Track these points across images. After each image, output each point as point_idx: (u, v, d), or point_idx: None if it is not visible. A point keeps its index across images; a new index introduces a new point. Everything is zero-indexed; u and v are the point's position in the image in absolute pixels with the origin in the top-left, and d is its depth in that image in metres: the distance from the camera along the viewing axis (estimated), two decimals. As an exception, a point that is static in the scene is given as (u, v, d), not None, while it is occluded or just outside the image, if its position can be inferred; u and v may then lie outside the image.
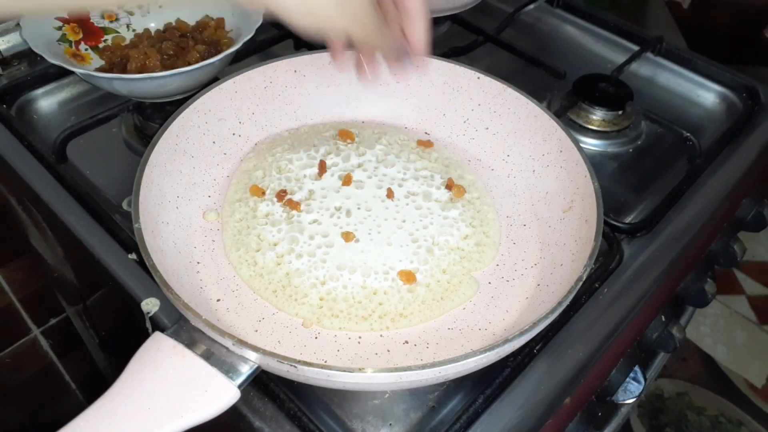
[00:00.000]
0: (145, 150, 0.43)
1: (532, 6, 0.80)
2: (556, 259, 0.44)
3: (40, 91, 0.62)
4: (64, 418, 0.32)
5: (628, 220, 0.54)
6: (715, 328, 1.46)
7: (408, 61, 0.45)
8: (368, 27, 0.39)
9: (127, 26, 0.63)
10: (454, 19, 0.75)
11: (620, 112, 0.62)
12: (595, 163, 0.59)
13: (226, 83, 0.50)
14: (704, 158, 0.59)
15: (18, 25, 0.57)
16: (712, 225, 0.56)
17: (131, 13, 0.63)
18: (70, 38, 0.59)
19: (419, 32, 0.43)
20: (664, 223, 0.53)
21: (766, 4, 2.29)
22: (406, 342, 0.41)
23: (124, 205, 0.51)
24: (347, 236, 0.45)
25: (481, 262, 0.46)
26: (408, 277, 0.44)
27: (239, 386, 0.34)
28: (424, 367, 0.32)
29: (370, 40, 0.41)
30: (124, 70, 0.56)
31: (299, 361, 0.32)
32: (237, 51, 0.55)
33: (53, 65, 0.51)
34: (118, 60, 0.57)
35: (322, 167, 0.50)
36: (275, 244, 0.45)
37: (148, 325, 0.44)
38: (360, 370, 0.32)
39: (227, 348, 0.34)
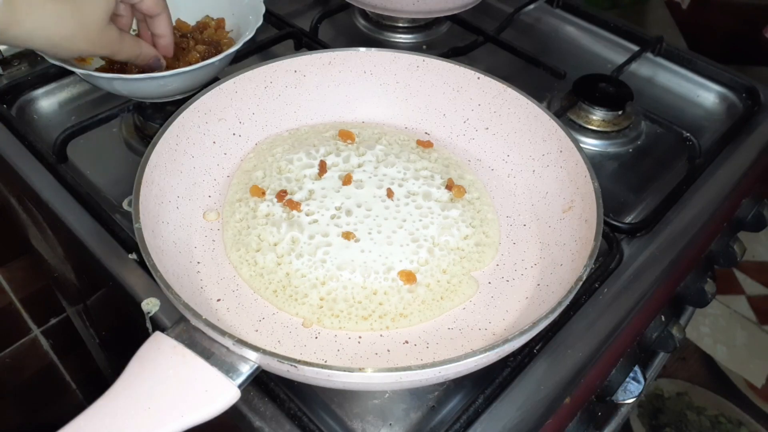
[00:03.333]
0: (146, 150, 0.43)
1: (532, 6, 0.80)
2: (556, 259, 0.44)
3: (40, 91, 0.62)
4: (64, 418, 0.32)
5: (628, 220, 0.54)
6: (715, 328, 1.46)
7: (158, 63, 0.52)
8: (110, 45, 0.46)
9: (128, 26, 0.63)
10: (454, 19, 0.75)
11: (620, 112, 0.62)
12: (595, 163, 0.60)
13: (226, 83, 0.50)
14: (704, 158, 0.59)
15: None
16: (712, 225, 0.56)
17: (131, 13, 0.63)
18: (71, 38, 0.59)
19: (162, 29, 0.51)
20: (664, 223, 0.53)
21: (766, 4, 2.29)
22: (406, 342, 0.41)
23: (125, 205, 0.51)
24: (347, 236, 0.45)
25: (481, 262, 0.46)
26: (408, 277, 0.44)
27: (239, 386, 0.34)
28: (424, 367, 0.32)
29: (116, 54, 0.48)
30: (124, 70, 0.56)
31: (299, 361, 0.32)
32: (237, 51, 0.55)
33: (53, 65, 0.51)
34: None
35: (322, 167, 0.50)
36: (275, 244, 0.45)
37: (149, 325, 0.44)
38: (360, 370, 0.32)
39: (227, 348, 0.34)
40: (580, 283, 0.37)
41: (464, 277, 0.45)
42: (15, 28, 0.40)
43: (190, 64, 0.54)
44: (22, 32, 0.41)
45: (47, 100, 0.62)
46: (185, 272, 0.42)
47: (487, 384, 0.40)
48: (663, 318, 0.58)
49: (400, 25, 0.76)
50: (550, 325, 0.36)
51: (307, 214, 0.47)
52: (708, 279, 0.63)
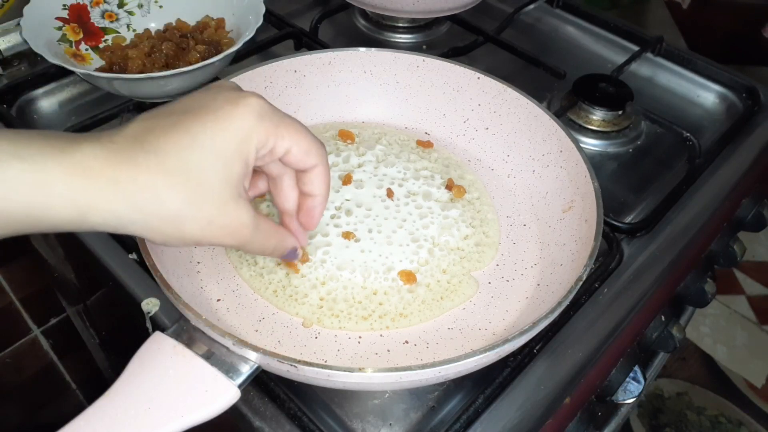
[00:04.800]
0: (146, 150, 0.43)
1: (532, 6, 0.80)
2: (556, 259, 0.44)
3: (40, 91, 0.62)
4: (64, 418, 0.31)
5: (628, 220, 0.54)
6: (715, 328, 1.46)
7: (293, 254, 0.39)
8: (238, 231, 0.33)
9: (128, 26, 0.63)
10: (454, 19, 0.75)
11: (620, 112, 0.62)
12: (595, 163, 0.60)
13: (226, 83, 0.50)
14: (704, 158, 0.59)
15: (18, 25, 0.57)
16: (712, 225, 0.56)
17: (132, 13, 0.63)
18: (71, 38, 0.59)
19: (316, 187, 0.37)
20: (664, 223, 0.53)
21: (766, 4, 2.29)
22: (406, 342, 0.41)
23: (125, 205, 0.51)
24: (347, 236, 0.45)
25: (481, 262, 0.46)
26: (408, 277, 0.44)
27: (239, 386, 0.34)
28: (424, 367, 0.32)
29: (245, 245, 0.35)
30: (124, 70, 0.56)
31: (299, 361, 0.32)
32: (237, 51, 0.55)
33: (53, 65, 0.51)
34: (118, 60, 0.57)
35: (322, 167, 0.50)
36: (275, 244, 0.45)
37: (149, 325, 0.44)
38: (360, 369, 0.32)
39: (227, 348, 0.34)
40: (580, 283, 0.37)
41: (464, 277, 0.45)
42: (93, 213, 0.29)
43: (190, 64, 0.54)
44: (104, 215, 0.29)
45: (47, 100, 0.62)
46: (185, 272, 0.42)
47: (487, 384, 0.40)
48: (663, 318, 0.58)
49: (400, 25, 0.76)
50: (550, 325, 0.36)
51: (307, 214, 0.47)
52: (708, 279, 0.63)
